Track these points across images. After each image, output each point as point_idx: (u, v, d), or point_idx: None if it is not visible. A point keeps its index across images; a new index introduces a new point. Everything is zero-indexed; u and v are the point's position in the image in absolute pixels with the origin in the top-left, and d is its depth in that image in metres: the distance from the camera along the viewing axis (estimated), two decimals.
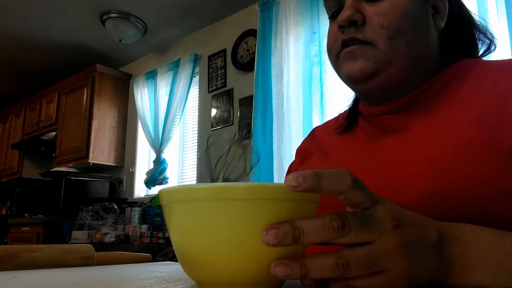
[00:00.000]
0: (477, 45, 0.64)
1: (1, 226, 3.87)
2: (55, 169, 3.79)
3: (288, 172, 0.79)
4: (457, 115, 0.52)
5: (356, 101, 0.69)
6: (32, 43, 3.73)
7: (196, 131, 3.36)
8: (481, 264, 0.35)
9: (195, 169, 3.29)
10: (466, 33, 0.63)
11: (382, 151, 0.57)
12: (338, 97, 2.28)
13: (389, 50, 0.55)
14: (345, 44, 0.58)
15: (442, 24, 0.60)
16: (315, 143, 0.72)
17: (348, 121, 0.68)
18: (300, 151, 0.77)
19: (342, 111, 0.74)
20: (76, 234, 2.97)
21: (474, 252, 0.36)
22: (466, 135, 0.49)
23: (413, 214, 0.36)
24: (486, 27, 0.64)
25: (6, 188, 4.66)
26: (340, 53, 0.59)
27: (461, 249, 0.36)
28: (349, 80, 0.59)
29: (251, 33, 3.00)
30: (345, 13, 0.56)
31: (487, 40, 0.64)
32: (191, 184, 0.32)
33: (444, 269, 0.35)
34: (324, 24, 2.46)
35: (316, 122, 2.37)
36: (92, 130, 3.72)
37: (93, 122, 3.73)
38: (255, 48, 2.85)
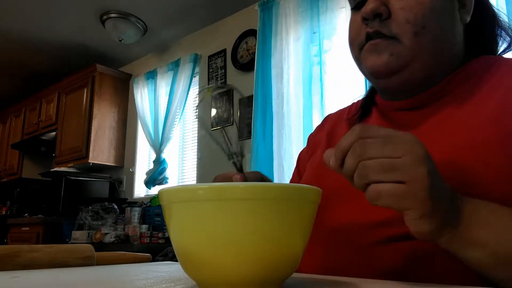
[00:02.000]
0: (497, 41, 0.62)
1: (1, 226, 3.87)
2: (55, 169, 3.79)
3: (298, 159, 0.78)
4: (474, 113, 0.51)
5: (372, 92, 0.68)
6: (32, 43, 3.72)
7: (196, 131, 3.36)
8: (486, 226, 0.39)
9: (195, 169, 3.29)
10: (489, 28, 0.61)
11: None
12: (338, 97, 2.28)
13: (414, 46, 0.53)
14: (369, 37, 0.56)
15: (468, 19, 0.58)
16: (326, 133, 0.71)
17: (362, 111, 0.66)
18: (312, 138, 0.76)
19: (355, 100, 0.73)
20: (76, 234, 2.97)
21: (481, 215, 0.39)
22: (482, 134, 0.48)
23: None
24: (508, 23, 0.62)
25: (6, 188, 4.66)
26: (363, 46, 0.57)
27: (471, 209, 0.39)
28: (371, 74, 0.58)
29: (251, 33, 3.00)
30: (370, 5, 0.54)
31: (508, 37, 0.62)
32: (191, 184, 0.32)
33: (454, 217, 0.38)
34: (324, 24, 2.46)
35: (316, 122, 2.37)
36: (92, 130, 3.71)
37: (93, 122, 3.73)
38: (255, 48, 2.84)
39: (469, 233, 0.38)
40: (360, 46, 0.58)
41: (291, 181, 0.78)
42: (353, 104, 0.73)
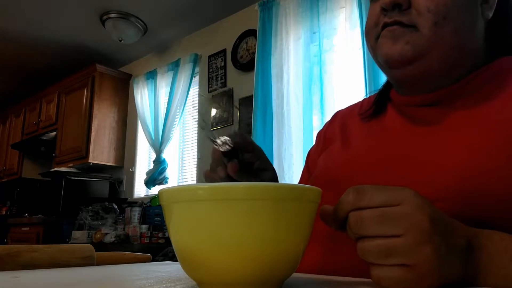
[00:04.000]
0: None
1: (1, 226, 3.87)
2: (55, 169, 3.79)
3: (307, 157, 0.76)
4: (494, 115, 0.49)
5: (387, 87, 0.65)
6: (32, 43, 3.72)
7: (196, 131, 3.36)
8: (505, 277, 0.35)
9: (195, 169, 3.29)
10: None
11: (413, 143, 0.53)
12: (338, 97, 2.28)
13: (432, 36, 0.51)
14: (386, 27, 0.54)
15: (490, 14, 0.56)
16: (338, 128, 0.68)
17: (376, 106, 0.64)
18: (321, 136, 0.73)
19: (367, 96, 0.71)
20: (76, 234, 2.97)
21: (500, 263, 0.36)
22: (501, 138, 0.46)
23: (444, 217, 0.35)
24: None
25: (6, 188, 4.66)
26: (380, 35, 0.55)
27: (488, 258, 0.36)
28: (386, 63, 0.55)
29: (251, 33, 3.00)
30: None
31: None
32: (191, 184, 0.32)
33: (469, 274, 0.35)
34: (324, 24, 2.46)
35: (316, 122, 2.37)
36: (92, 130, 3.71)
37: (93, 122, 3.73)
38: (255, 48, 2.84)
39: (486, 282, 0.36)
40: (376, 35, 0.56)
41: (300, 180, 0.76)
42: (364, 100, 0.70)
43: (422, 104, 0.56)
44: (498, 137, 0.46)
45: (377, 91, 0.67)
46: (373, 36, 0.57)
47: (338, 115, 0.73)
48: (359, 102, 0.71)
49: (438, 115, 0.54)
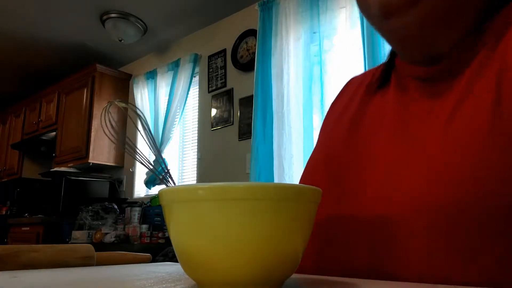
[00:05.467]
0: None
1: (1, 226, 3.87)
2: (55, 169, 3.79)
3: (321, 128, 0.66)
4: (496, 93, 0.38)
5: (392, 54, 0.56)
6: (32, 43, 3.73)
7: (196, 131, 3.36)
8: None
9: (195, 169, 3.29)
10: None
11: (404, 134, 0.46)
12: None
13: None
14: None
15: None
16: (346, 99, 0.61)
17: (381, 79, 0.55)
18: (332, 108, 0.65)
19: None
20: (76, 234, 2.97)
21: None
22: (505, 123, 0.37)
23: None
24: None
25: (6, 188, 4.66)
26: None
27: None
28: (381, 11, 0.44)
29: (251, 33, 3.00)
30: None
31: None
32: (191, 184, 0.32)
33: None
34: (324, 24, 2.46)
35: (316, 122, 2.37)
36: (92, 130, 3.72)
37: (93, 122, 3.74)
38: (255, 48, 2.85)
39: None
40: None
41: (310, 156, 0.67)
42: (380, 65, 0.60)
43: (425, 78, 0.47)
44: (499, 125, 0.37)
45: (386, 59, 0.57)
46: None
47: (350, 84, 0.64)
48: (374, 68, 0.61)
49: (441, 97, 0.44)
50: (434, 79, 0.46)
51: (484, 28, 0.42)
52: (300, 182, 0.60)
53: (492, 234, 0.36)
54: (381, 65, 0.58)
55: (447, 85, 0.44)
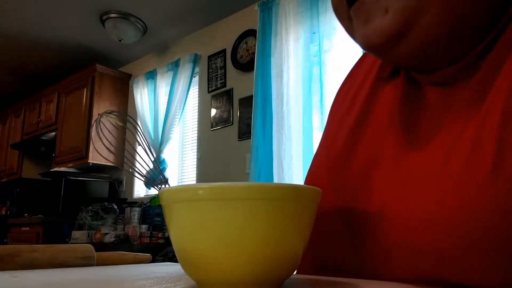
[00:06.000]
0: None
1: (1, 226, 3.87)
2: (55, 169, 3.80)
3: (331, 109, 0.61)
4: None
5: None
6: (32, 43, 3.73)
7: (196, 131, 3.36)
8: None
9: (195, 169, 3.29)
10: None
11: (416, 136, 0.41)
12: None
13: None
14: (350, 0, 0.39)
15: None
16: (360, 78, 0.54)
17: (390, 71, 0.47)
18: (344, 85, 0.60)
19: None
20: (76, 234, 2.97)
21: None
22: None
23: None
24: None
25: (6, 188, 4.66)
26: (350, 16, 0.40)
27: None
28: (368, 50, 0.40)
29: (251, 33, 3.00)
30: None
31: None
32: (191, 184, 0.32)
33: None
34: (324, 24, 2.46)
35: (316, 122, 2.37)
36: (92, 130, 3.72)
37: (93, 122, 3.73)
38: (255, 48, 2.85)
39: None
40: (347, 15, 0.40)
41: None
42: None
43: (436, 83, 0.41)
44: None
45: None
46: (342, 17, 0.42)
47: (364, 61, 0.57)
48: None
49: (454, 100, 0.39)
50: (450, 82, 0.40)
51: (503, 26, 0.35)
52: (305, 183, 0.58)
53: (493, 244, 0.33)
54: None
55: (464, 86, 0.38)
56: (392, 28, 0.35)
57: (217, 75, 3.24)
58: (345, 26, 0.41)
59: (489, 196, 0.31)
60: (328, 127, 0.57)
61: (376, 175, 0.45)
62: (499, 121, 0.32)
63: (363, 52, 0.57)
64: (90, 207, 3.08)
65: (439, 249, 0.36)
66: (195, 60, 3.37)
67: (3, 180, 4.78)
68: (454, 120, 0.37)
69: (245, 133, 2.91)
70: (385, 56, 0.41)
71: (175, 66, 3.47)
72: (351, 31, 0.41)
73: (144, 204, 3.09)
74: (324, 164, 0.54)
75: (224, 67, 3.19)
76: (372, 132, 0.46)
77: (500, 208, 0.31)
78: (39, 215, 3.60)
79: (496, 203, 0.31)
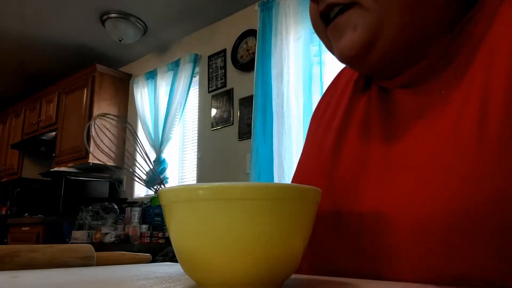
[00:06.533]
0: None
1: (1, 226, 3.87)
2: (55, 169, 3.79)
3: (310, 123, 0.65)
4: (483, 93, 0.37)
5: None
6: (32, 43, 3.73)
7: (196, 131, 3.36)
8: None
9: (195, 169, 3.29)
10: None
11: (385, 143, 0.46)
12: None
13: (378, 6, 0.40)
14: (325, 18, 0.45)
15: None
16: (339, 92, 0.59)
17: (363, 84, 0.53)
18: (322, 101, 0.64)
19: None
20: (76, 234, 2.97)
21: None
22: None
23: None
24: None
25: (6, 188, 4.66)
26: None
27: None
28: (344, 61, 0.46)
29: (251, 33, 3.00)
30: None
31: None
32: (191, 184, 0.32)
33: None
34: None
35: None
36: (92, 132, 3.71)
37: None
38: (255, 48, 2.85)
39: None
40: (325, 33, 0.47)
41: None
42: None
43: (399, 86, 0.47)
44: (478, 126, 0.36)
45: None
46: (322, 34, 0.48)
47: (343, 75, 0.62)
48: None
49: (419, 99, 0.44)
50: (414, 83, 0.45)
51: (459, 29, 0.41)
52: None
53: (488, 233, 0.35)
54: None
55: (430, 86, 0.43)
56: (360, 41, 0.42)
57: (217, 75, 3.24)
58: (326, 43, 0.48)
59: (475, 186, 0.35)
60: (312, 136, 0.62)
61: (364, 175, 0.46)
62: (478, 107, 0.37)
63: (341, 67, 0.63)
64: (90, 207, 3.08)
65: (442, 245, 0.37)
66: (195, 60, 3.38)
67: (3, 180, 4.78)
68: (428, 112, 0.42)
69: (245, 133, 2.91)
70: (357, 66, 0.47)
71: (175, 66, 3.47)
72: (331, 48, 0.47)
73: (145, 204, 3.09)
74: (312, 168, 0.56)
75: (224, 67, 3.19)
76: (354, 137, 0.50)
77: (491, 191, 0.34)
78: (39, 215, 3.60)
79: (483, 186, 0.34)
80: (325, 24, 0.45)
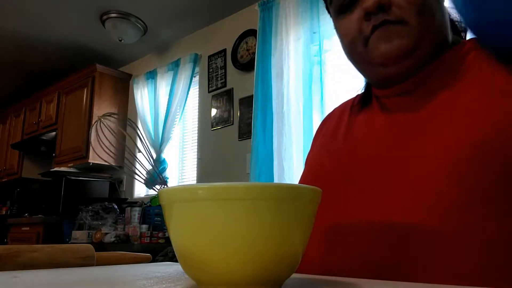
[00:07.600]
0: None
1: (1, 226, 3.87)
2: (55, 169, 3.79)
3: (306, 160, 0.75)
4: (478, 96, 0.50)
5: (368, 87, 0.68)
6: (32, 43, 3.72)
7: (196, 131, 3.36)
8: None
9: (195, 169, 3.29)
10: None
11: (394, 141, 0.56)
12: (338, 97, 2.28)
13: (421, 24, 0.54)
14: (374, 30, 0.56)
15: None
16: (333, 125, 0.70)
17: (362, 101, 0.67)
18: (319, 135, 0.74)
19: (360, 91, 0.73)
20: (76, 234, 2.97)
21: None
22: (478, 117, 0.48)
23: None
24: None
25: (6, 188, 4.66)
26: (369, 38, 0.56)
27: None
28: (383, 63, 0.57)
29: (251, 33, 3.00)
30: (371, 0, 0.55)
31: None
32: (191, 184, 0.32)
33: None
34: (324, 24, 2.46)
35: (316, 122, 2.37)
36: (92, 132, 3.71)
37: (93, 122, 3.73)
38: (255, 48, 2.84)
39: None
40: (365, 41, 0.57)
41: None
42: (357, 95, 0.73)
43: (400, 94, 0.59)
44: (476, 118, 0.48)
45: (361, 91, 0.70)
46: (361, 43, 0.58)
47: (332, 116, 0.75)
48: (352, 98, 0.74)
49: (417, 103, 0.56)
50: (409, 92, 0.58)
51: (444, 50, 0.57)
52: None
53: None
54: (359, 94, 0.70)
55: (422, 94, 0.56)
56: (408, 47, 0.54)
57: (218, 75, 3.24)
58: (359, 50, 0.59)
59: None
60: (314, 154, 0.73)
61: (379, 177, 0.53)
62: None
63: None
64: (90, 207, 3.08)
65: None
66: (195, 60, 3.37)
67: (3, 180, 4.78)
68: (420, 112, 0.55)
69: (245, 133, 2.91)
70: (394, 64, 0.57)
71: (175, 66, 3.47)
72: (363, 54, 0.58)
73: (145, 204, 3.09)
74: (327, 169, 0.63)
75: (224, 67, 3.19)
76: (358, 145, 0.61)
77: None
78: (39, 215, 3.59)
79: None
80: (372, 29, 0.56)
